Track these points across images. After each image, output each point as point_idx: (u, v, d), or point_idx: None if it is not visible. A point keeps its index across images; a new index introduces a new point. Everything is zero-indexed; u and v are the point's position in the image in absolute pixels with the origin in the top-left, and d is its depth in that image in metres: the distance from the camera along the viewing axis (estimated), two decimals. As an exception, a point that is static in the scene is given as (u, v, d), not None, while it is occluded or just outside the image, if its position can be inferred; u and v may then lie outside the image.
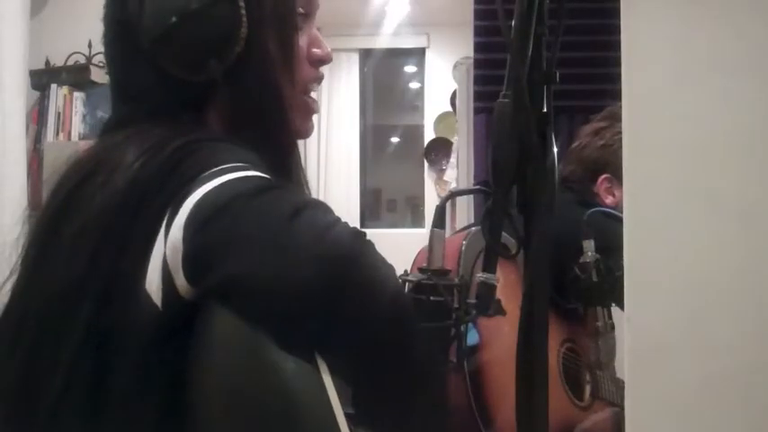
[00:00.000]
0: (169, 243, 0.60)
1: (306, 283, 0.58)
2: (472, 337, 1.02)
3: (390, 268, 0.64)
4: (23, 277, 0.69)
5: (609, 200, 1.51)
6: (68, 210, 0.67)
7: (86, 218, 0.64)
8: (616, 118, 1.51)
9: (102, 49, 0.80)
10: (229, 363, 0.60)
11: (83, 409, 0.61)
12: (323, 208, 0.64)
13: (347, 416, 0.58)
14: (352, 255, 0.61)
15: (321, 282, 0.58)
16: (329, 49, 0.81)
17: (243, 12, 0.70)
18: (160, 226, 0.61)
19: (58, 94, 2.94)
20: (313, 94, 0.83)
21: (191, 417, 0.60)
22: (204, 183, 0.61)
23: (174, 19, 0.68)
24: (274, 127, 0.76)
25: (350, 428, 0.58)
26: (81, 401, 0.61)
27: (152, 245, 0.61)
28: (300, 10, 0.78)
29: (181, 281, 0.59)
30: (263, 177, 0.64)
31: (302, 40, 0.79)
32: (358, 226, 0.68)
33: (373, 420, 0.63)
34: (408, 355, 0.64)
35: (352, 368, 0.61)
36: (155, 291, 0.60)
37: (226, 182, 0.62)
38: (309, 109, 0.82)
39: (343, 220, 0.63)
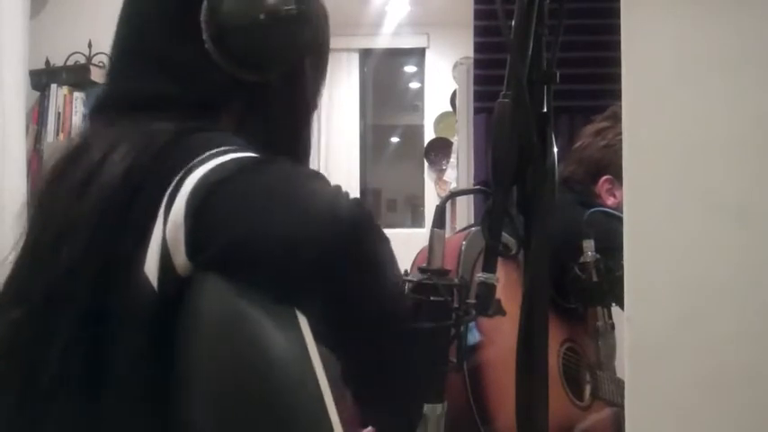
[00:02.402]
0: (170, 223, 0.61)
1: (317, 245, 0.61)
2: (472, 337, 1.02)
3: (387, 240, 0.69)
4: (21, 262, 0.70)
5: (610, 201, 1.51)
6: (66, 197, 0.67)
7: (83, 208, 0.65)
8: (618, 118, 1.50)
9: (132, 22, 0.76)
10: (215, 334, 0.60)
11: (79, 392, 0.62)
12: (325, 178, 0.68)
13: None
14: (360, 220, 0.65)
15: (332, 244, 0.61)
16: None
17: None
18: (158, 210, 0.62)
19: (58, 94, 2.94)
20: None
21: (180, 390, 0.60)
22: (204, 163, 0.63)
23: (262, 17, 0.69)
24: (301, 135, 0.80)
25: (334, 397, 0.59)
26: (77, 385, 0.62)
27: (150, 230, 0.61)
28: None
29: (180, 259, 0.60)
30: (260, 155, 0.66)
31: None
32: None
33: (360, 388, 0.65)
34: (394, 322, 0.69)
35: (343, 333, 0.64)
36: (152, 273, 0.60)
37: (226, 161, 0.63)
38: None
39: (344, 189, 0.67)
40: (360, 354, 0.66)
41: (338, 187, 0.66)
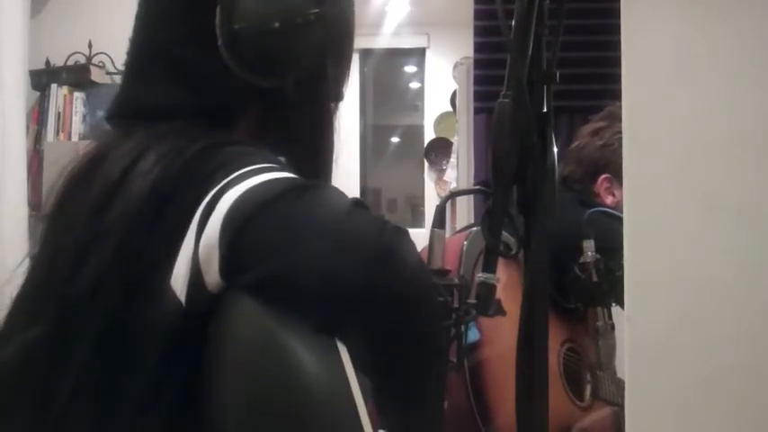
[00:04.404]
0: (203, 241, 0.59)
1: (362, 279, 0.59)
2: (472, 335, 1.02)
3: (427, 271, 0.69)
4: (35, 278, 0.68)
5: (609, 200, 1.51)
6: (85, 211, 0.65)
7: (105, 222, 0.63)
8: (615, 118, 1.50)
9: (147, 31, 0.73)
10: (251, 358, 0.60)
11: (94, 409, 0.61)
12: (368, 207, 0.65)
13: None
14: (405, 254, 0.63)
15: (377, 279, 0.60)
16: None
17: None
18: (188, 226, 0.60)
19: (58, 94, 2.94)
20: None
21: (206, 412, 0.60)
22: (241, 181, 0.61)
23: (276, 24, 0.67)
24: (323, 140, 0.77)
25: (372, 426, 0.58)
26: (92, 402, 0.61)
27: (179, 244, 0.60)
28: None
29: (212, 277, 0.59)
30: (299, 178, 0.64)
31: None
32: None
33: (394, 414, 0.64)
34: (434, 357, 0.67)
35: (382, 366, 0.62)
36: (179, 287, 0.59)
37: (264, 181, 0.61)
38: None
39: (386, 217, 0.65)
40: (399, 382, 0.64)
41: (381, 217, 0.64)
